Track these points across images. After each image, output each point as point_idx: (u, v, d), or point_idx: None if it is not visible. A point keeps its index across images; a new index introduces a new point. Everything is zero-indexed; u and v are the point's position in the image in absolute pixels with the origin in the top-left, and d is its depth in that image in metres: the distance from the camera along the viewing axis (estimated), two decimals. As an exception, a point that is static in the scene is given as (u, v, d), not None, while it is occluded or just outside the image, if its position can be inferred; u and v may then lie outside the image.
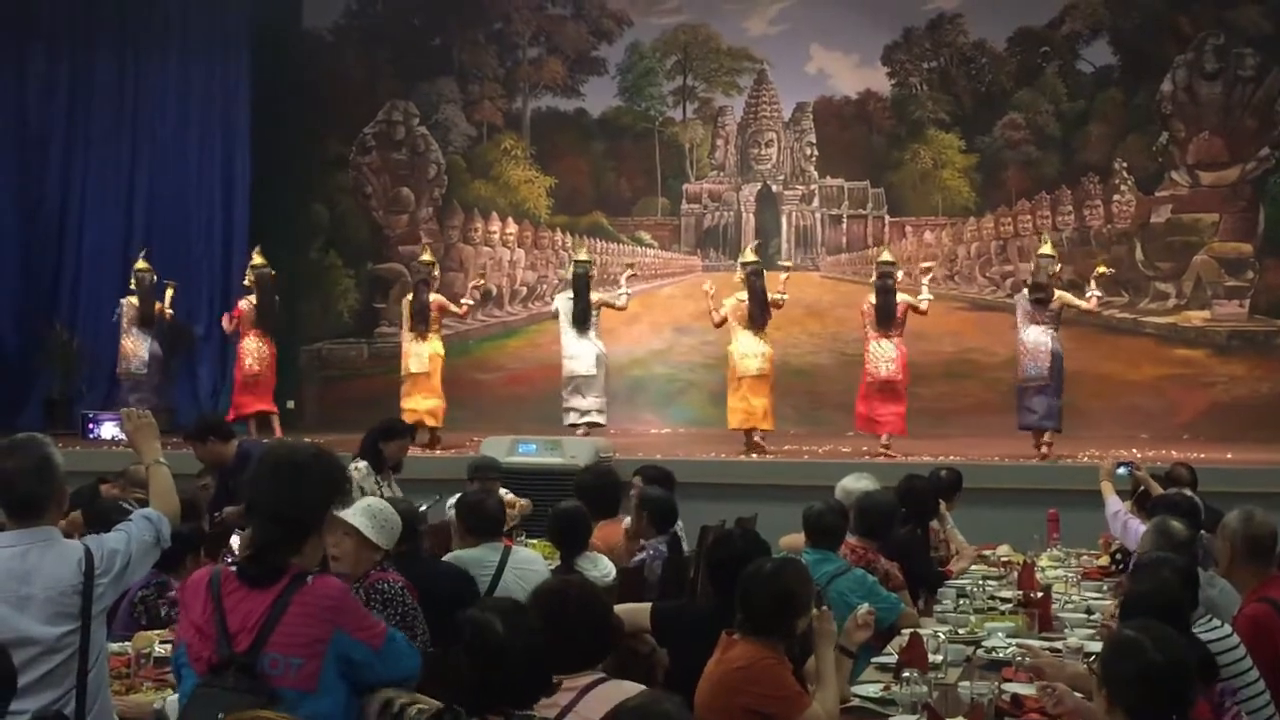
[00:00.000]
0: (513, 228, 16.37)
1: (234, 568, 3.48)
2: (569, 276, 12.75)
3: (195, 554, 5.73)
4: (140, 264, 13.59)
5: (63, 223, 16.12)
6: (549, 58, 16.45)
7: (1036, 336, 11.56)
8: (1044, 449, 11.46)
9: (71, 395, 15.45)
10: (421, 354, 12.75)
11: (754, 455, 11.87)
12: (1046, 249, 11.93)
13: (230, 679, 3.25)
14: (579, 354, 12.46)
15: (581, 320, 12.46)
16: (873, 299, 11.81)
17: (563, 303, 12.62)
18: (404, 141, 16.61)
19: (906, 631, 5.08)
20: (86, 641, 3.75)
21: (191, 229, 15.95)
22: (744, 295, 11.95)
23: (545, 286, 15.98)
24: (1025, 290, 11.87)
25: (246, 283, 13.44)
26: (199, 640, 3.35)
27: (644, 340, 15.24)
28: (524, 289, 16.35)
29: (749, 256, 12.40)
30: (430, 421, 12.65)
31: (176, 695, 3.61)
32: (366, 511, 4.97)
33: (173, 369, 14.10)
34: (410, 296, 13.07)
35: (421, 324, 12.79)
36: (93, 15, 16.17)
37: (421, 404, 12.68)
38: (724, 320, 12.07)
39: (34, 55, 16.12)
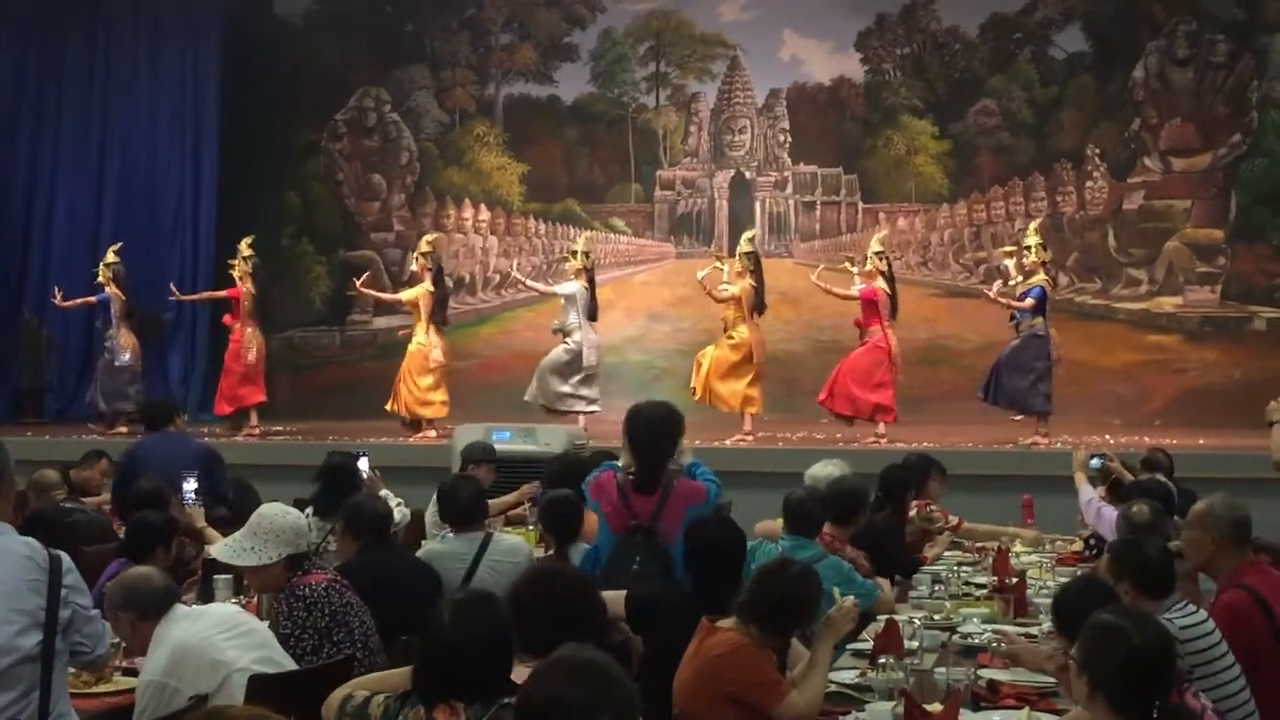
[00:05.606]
0: (485, 214, 16.31)
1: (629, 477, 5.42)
2: (582, 265, 12.27)
3: (166, 546, 5.66)
4: (113, 257, 13.50)
5: (30, 210, 15.99)
6: (521, 44, 16.39)
7: None
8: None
9: (41, 384, 15.34)
10: (439, 345, 12.59)
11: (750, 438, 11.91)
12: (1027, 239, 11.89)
13: (640, 537, 5.25)
14: (594, 345, 12.34)
15: (595, 313, 12.39)
16: (885, 287, 11.81)
17: (580, 292, 12.23)
18: (376, 128, 16.53)
19: (882, 618, 5.06)
20: (51, 647, 3.67)
21: (161, 216, 15.86)
22: (751, 282, 11.88)
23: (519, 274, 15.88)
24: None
25: (238, 274, 13.07)
26: (614, 515, 5.35)
27: (618, 327, 15.16)
28: (496, 276, 16.29)
29: (748, 247, 12.17)
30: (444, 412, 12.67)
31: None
32: (235, 541, 4.79)
33: (145, 358, 13.98)
34: (429, 287, 12.49)
35: (442, 314, 12.68)
36: (62, 1, 16.02)
37: (439, 396, 12.69)
38: (731, 299, 11.93)
39: (2, 41, 15.97)
